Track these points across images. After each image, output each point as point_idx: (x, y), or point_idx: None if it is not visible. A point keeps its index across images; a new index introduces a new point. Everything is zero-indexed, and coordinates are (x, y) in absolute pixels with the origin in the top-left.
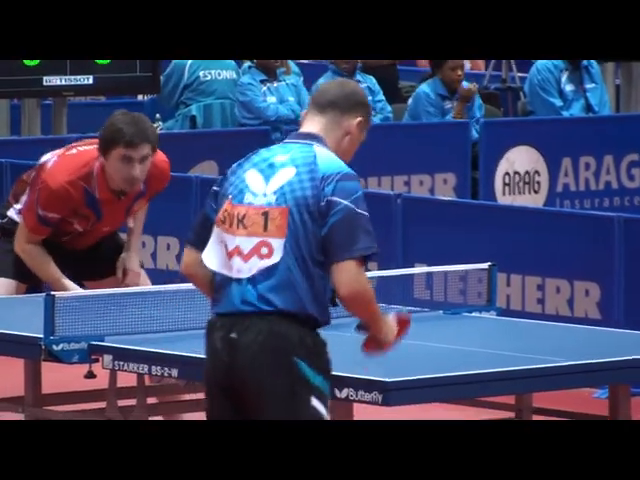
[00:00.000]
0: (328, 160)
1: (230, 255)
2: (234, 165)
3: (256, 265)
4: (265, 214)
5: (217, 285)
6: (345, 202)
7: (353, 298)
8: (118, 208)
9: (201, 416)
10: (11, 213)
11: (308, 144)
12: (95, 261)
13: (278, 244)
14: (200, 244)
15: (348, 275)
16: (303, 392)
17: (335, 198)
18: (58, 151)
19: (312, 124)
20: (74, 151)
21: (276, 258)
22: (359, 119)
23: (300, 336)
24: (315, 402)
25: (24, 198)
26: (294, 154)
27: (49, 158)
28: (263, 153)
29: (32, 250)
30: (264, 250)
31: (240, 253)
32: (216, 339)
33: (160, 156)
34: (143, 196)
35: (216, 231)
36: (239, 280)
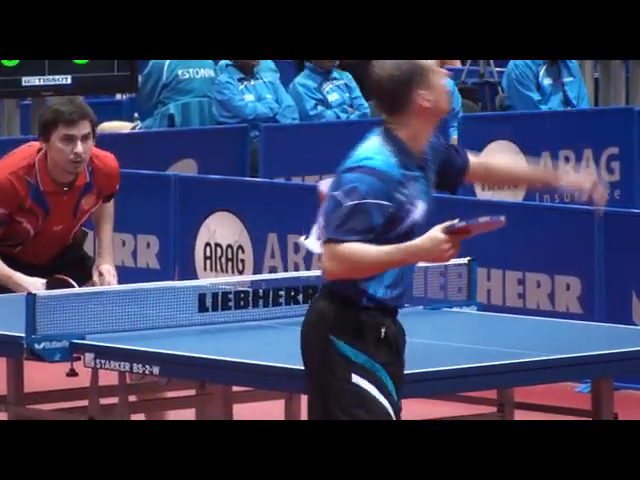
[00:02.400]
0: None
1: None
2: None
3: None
4: None
5: None
6: (332, 193)
7: (335, 276)
8: (65, 203)
9: (181, 414)
10: None
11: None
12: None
13: None
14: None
15: (324, 257)
16: (340, 369)
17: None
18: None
19: None
20: (15, 150)
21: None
22: None
23: (337, 314)
24: (356, 378)
25: None
26: None
27: None
28: None
29: None
30: None
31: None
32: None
33: (106, 153)
34: (90, 190)
35: None
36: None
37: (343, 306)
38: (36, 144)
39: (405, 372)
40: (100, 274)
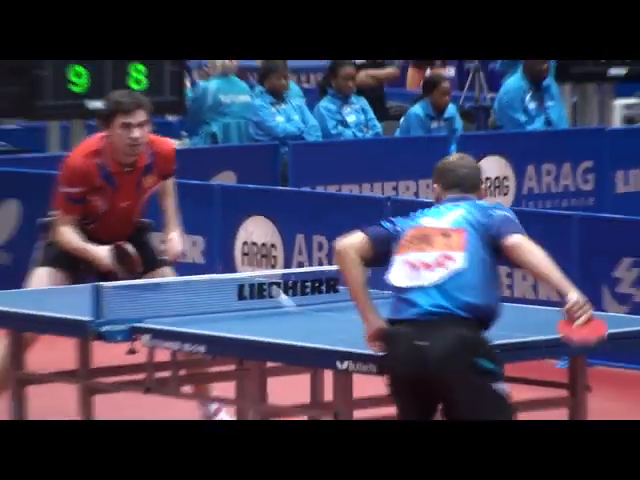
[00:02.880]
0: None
1: (417, 267)
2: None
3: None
4: (445, 234)
5: (399, 296)
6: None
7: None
8: (129, 181)
9: (223, 386)
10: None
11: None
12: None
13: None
14: (373, 241)
15: (529, 245)
16: (486, 381)
17: None
18: None
19: None
20: (84, 140)
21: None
22: None
23: (478, 336)
24: (496, 385)
25: None
26: None
27: None
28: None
29: (64, 231)
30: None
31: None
32: (406, 344)
33: (164, 138)
34: (151, 171)
35: (397, 257)
36: (424, 288)
37: (480, 329)
38: (100, 134)
39: None
40: (167, 241)
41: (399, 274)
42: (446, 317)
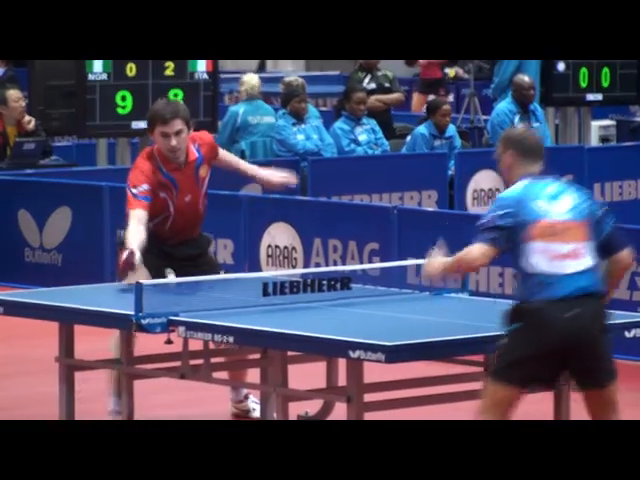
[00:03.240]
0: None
1: (560, 257)
2: (509, 198)
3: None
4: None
5: (544, 281)
6: None
7: None
8: (187, 175)
9: (250, 372)
10: None
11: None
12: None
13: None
14: (497, 248)
15: None
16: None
17: None
18: None
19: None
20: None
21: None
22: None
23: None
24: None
25: None
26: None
27: None
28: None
29: (130, 224)
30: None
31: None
32: (560, 315)
33: (202, 131)
34: (202, 162)
35: (535, 244)
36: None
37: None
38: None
39: (415, 341)
40: (262, 177)
41: (541, 262)
42: (589, 295)
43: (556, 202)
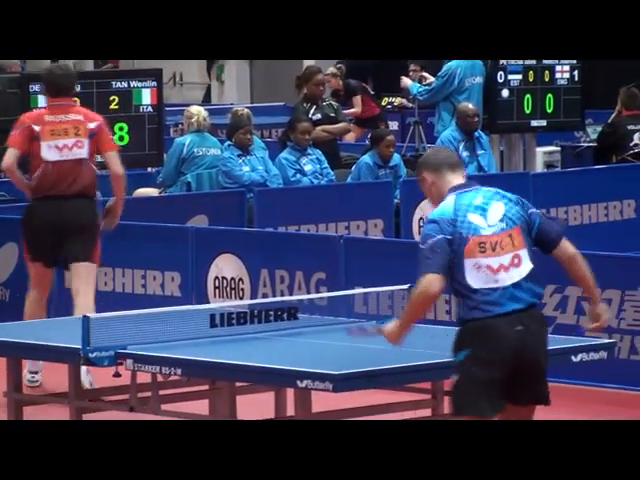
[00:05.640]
0: None
1: (496, 271)
2: (442, 217)
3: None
4: (510, 236)
5: (484, 298)
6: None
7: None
8: None
9: (197, 404)
10: None
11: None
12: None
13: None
14: (445, 273)
15: None
16: None
17: None
18: None
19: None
20: None
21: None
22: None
23: None
24: None
25: None
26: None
27: None
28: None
29: None
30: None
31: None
32: (508, 330)
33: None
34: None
35: (469, 261)
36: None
37: None
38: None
39: (363, 370)
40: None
41: (479, 278)
42: (530, 307)
43: (487, 213)
